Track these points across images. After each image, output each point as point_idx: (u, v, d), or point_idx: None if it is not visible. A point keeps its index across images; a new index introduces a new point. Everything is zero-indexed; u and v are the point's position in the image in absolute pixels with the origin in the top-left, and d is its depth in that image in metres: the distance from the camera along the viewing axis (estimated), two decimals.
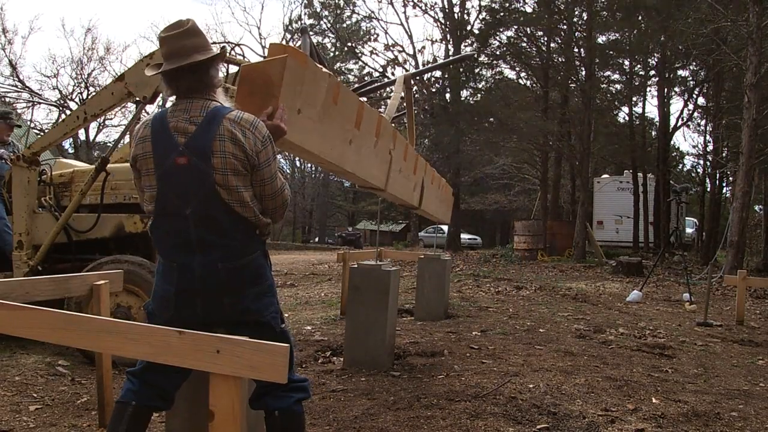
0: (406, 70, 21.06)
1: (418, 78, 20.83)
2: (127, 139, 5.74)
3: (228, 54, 3.86)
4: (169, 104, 2.33)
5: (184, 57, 2.06)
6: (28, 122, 23.95)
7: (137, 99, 4.15)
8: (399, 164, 3.77)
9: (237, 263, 2.10)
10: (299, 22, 26.62)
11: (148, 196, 2.15)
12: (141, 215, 4.44)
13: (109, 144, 6.67)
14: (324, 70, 2.46)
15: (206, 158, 2.02)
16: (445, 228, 23.19)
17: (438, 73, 23.79)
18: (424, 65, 23.72)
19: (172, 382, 2.18)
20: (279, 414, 2.20)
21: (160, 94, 4.08)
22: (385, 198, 4.22)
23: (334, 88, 2.51)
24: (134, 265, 4.13)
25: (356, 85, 4.33)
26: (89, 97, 20.31)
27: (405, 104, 4.64)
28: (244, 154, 2.03)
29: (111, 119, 26.20)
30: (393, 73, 23.26)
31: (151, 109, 4.25)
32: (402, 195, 4.09)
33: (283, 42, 27.10)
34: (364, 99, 3.61)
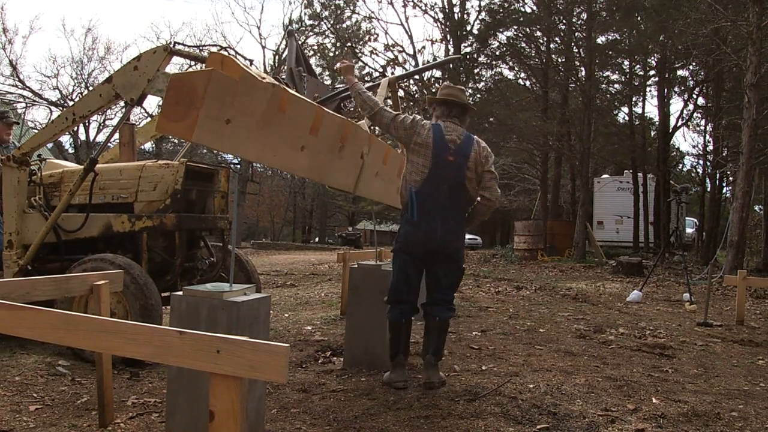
0: (405, 70, 21.05)
1: (406, 80, 20.82)
2: (114, 140, 5.73)
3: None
4: None
5: (463, 100, 3.79)
6: (29, 122, 23.96)
7: (125, 101, 4.14)
8: (375, 168, 3.79)
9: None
10: (300, 23, 26.62)
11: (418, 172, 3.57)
12: (128, 215, 4.43)
13: (110, 145, 6.64)
14: (267, 80, 2.47)
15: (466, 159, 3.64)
16: None
17: (438, 74, 23.79)
18: (423, 65, 23.69)
19: (415, 298, 3.73)
20: (440, 320, 3.71)
21: (147, 97, 4.09)
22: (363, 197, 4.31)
23: (281, 97, 2.51)
24: (111, 264, 4.00)
25: (340, 87, 4.33)
26: (78, 98, 20.30)
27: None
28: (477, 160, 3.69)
29: (111, 119, 26.22)
30: (393, 73, 23.23)
31: (139, 110, 4.27)
32: (380, 197, 4.11)
33: (284, 42, 27.10)
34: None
